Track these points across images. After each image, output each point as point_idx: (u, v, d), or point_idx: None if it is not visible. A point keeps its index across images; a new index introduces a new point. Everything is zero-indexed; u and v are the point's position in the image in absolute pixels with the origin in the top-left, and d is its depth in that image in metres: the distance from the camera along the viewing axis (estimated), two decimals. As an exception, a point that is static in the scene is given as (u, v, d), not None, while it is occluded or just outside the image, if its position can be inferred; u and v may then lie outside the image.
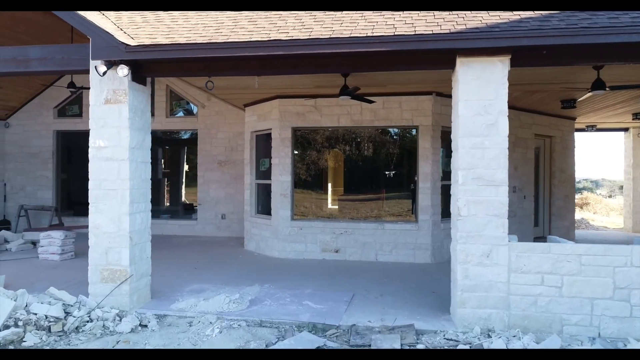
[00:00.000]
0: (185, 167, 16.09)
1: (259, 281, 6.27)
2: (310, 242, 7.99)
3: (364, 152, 8.69)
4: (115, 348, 4.07)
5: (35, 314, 4.43)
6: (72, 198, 12.49)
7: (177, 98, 11.20)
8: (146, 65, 4.98)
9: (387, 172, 8.60)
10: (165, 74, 5.16)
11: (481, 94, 4.39)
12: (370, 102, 6.88)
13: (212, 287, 5.93)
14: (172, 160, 17.00)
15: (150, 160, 5.43)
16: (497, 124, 4.38)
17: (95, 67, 4.71)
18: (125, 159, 4.92)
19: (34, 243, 8.72)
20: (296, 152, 8.73)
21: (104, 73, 4.70)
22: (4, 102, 11.27)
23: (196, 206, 11.31)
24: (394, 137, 8.64)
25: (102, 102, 4.98)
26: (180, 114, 11.46)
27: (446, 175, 8.01)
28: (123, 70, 4.65)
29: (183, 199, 15.68)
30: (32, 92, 11.51)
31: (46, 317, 4.43)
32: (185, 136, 12.71)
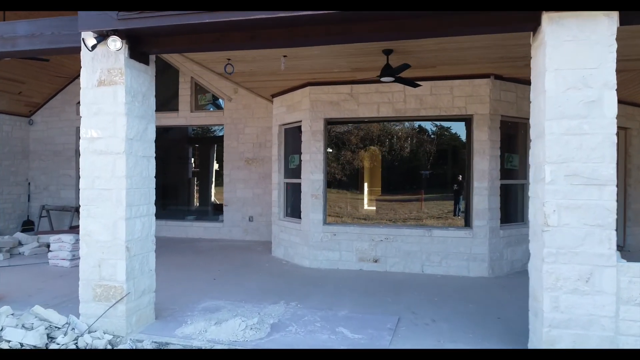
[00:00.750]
0: (216, 166, 15.45)
1: (285, 298, 5.31)
2: (346, 250, 6.96)
3: (404, 148, 7.78)
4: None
5: (9, 342, 3.63)
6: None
7: (202, 91, 10.44)
8: (145, 38, 4.10)
9: (431, 171, 7.62)
10: (169, 48, 4.28)
11: (578, 61, 3.23)
12: (416, 85, 5.78)
13: (229, 304, 5.01)
14: (202, 159, 16.44)
15: (154, 155, 4.56)
16: (600, 100, 3.22)
17: (83, 39, 3.87)
18: (121, 153, 4.07)
19: (49, 246, 8.12)
20: (330, 150, 7.84)
21: (94, 47, 3.85)
22: (27, 98, 10.87)
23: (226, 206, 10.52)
24: (437, 129, 7.66)
25: (95, 83, 4.16)
26: (210, 108, 10.68)
27: (505, 173, 6.81)
28: (115, 43, 3.79)
29: (212, 199, 15.04)
30: (56, 88, 11.06)
31: (22, 345, 3.62)
32: (220, 133, 11.98)
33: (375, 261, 6.85)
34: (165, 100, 10.66)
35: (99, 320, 4.07)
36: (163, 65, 10.58)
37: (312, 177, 7.07)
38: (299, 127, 7.42)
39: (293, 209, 7.93)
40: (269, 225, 9.14)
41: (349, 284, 6.06)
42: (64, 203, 11.00)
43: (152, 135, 4.52)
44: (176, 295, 5.41)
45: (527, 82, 6.92)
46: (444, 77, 6.58)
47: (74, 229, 9.73)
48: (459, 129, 7.58)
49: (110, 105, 4.09)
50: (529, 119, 7.19)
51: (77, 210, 10.09)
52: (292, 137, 8.00)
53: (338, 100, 6.99)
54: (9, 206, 10.90)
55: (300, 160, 7.34)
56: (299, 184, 7.40)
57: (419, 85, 5.88)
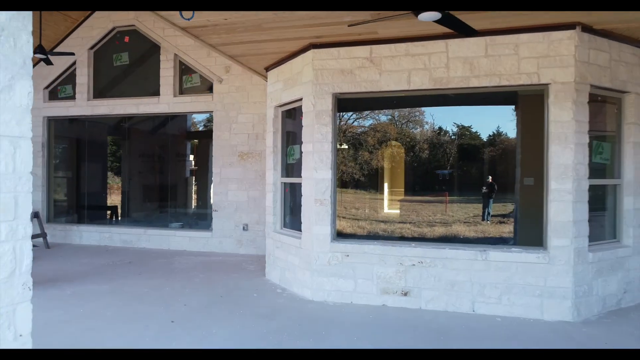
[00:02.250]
0: (216, 164, 13.68)
1: (266, 366, 3.35)
2: (363, 277, 4.97)
3: (423, 148, 7.10)
4: None
5: None
6: (59, 200, 10.33)
7: (189, 72, 8.57)
8: None
9: (451, 171, 7.01)
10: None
11: None
12: (472, 32, 3.74)
13: (172, 381, 3.08)
14: (201, 156, 14.78)
15: (30, 135, 2.64)
16: None
17: None
18: (-60, 127, 2.17)
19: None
20: (345, 146, 6.24)
21: None
22: (-15, 82, 9.17)
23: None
24: (459, 129, 7.15)
25: None
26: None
27: (592, 170, 4.73)
28: None
29: (212, 201, 13.34)
30: (19, 70, 9.33)
31: None
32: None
33: (405, 294, 4.84)
34: (145, 84, 8.85)
35: None
36: (143, 45, 8.80)
37: (317, 176, 5.10)
38: (300, 108, 5.46)
39: (293, 219, 5.99)
40: (266, 236, 7.24)
41: (367, 334, 4.07)
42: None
43: (24, 100, 2.58)
44: (101, 356, 3.51)
45: (627, 39, 4.83)
46: (506, 29, 4.54)
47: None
48: (499, 115, 6.39)
49: None
50: (625, 92, 5.10)
51: (36, 215, 8.34)
52: (293, 122, 6.07)
53: (352, 67, 5.00)
54: (-35, 210, 9.25)
55: (301, 152, 5.38)
56: (300, 185, 5.45)
57: (476, 34, 3.84)
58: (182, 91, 8.60)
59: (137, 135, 12.55)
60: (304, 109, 5.27)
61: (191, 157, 14.98)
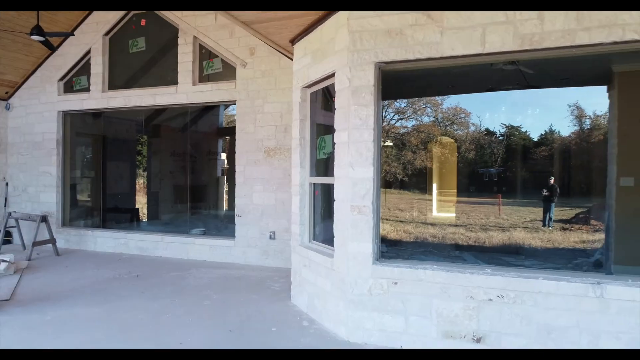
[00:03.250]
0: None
1: None
2: (417, 312, 3.63)
3: (468, 149, 6.71)
4: None
5: None
6: (76, 203, 9.57)
7: (210, 56, 7.50)
8: None
9: (501, 170, 7.24)
10: None
11: None
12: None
13: None
14: (233, 153, 13.81)
15: None
16: None
17: None
18: None
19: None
20: (389, 144, 5.15)
21: None
22: (-1, 75, 8.53)
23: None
24: (507, 129, 6.99)
25: None
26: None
27: None
28: None
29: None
30: (34, 62, 8.63)
31: None
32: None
33: (478, 340, 3.45)
34: (163, 72, 7.88)
35: None
36: (160, 28, 7.84)
37: (353, 174, 3.80)
38: (333, 87, 4.18)
39: (325, 229, 4.73)
40: (295, 247, 6.01)
41: (427, 408, 2.74)
42: (44, 208, 8.55)
43: None
44: None
45: None
46: (636, -46, 3.06)
47: (36, 245, 7.20)
48: (550, 113, 5.59)
49: None
50: None
51: (43, 219, 7.51)
52: (325, 106, 4.82)
53: (402, 26, 3.66)
54: (-20, 212, 8.65)
55: (334, 144, 4.10)
56: (332, 186, 4.17)
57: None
58: (202, 79, 7.55)
59: (166, 132, 11.72)
60: (337, 86, 3.98)
61: (223, 155, 14.07)
